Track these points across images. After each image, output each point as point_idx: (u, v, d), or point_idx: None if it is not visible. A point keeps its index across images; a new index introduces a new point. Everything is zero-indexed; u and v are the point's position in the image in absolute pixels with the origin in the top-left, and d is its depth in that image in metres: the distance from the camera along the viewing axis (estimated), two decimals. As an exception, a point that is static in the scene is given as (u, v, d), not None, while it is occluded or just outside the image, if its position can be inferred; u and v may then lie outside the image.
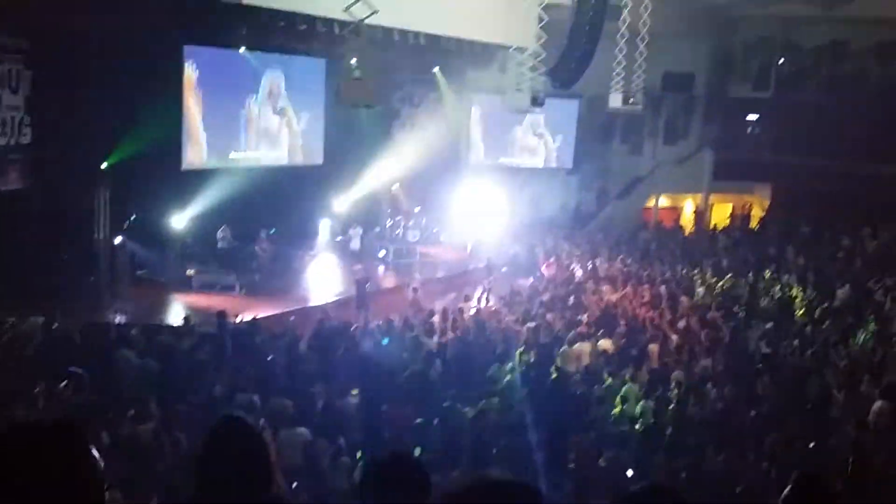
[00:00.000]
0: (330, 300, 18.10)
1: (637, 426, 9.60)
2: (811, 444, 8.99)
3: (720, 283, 18.36)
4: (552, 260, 22.22)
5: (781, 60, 28.87)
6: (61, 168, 16.51)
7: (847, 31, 26.91)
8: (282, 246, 20.32)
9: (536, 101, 17.90)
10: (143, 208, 18.08)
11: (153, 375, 10.82)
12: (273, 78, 20.84)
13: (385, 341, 12.77)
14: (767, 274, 19.73)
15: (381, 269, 21.69)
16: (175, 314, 15.99)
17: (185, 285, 18.08)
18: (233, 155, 20.31)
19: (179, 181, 18.73)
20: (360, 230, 22.40)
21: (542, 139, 27.21)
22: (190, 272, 18.45)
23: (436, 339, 13.37)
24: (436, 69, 22.80)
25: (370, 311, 16.40)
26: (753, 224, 28.20)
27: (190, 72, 18.73)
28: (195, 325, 13.66)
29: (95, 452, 1.93)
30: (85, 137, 16.33)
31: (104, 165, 17.07)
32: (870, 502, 7.60)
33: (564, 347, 12.67)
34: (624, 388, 10.65)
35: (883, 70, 26.73)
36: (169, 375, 10.88)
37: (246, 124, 20.52)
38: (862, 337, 13.85)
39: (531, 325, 14.33)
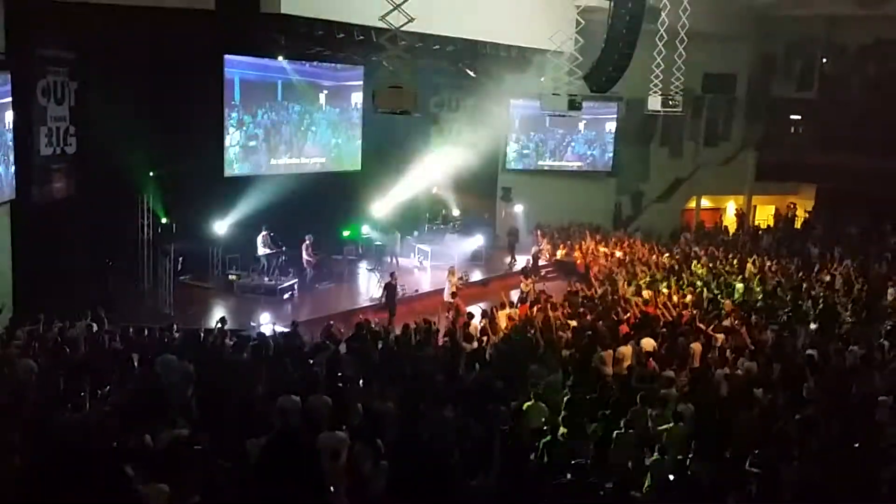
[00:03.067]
0: (369, 304, 18.21)
1: (679, 429, 9.45)
2: (857, 447, 8.83)
3: (764, 285, 18.07)
4: (591, 261, 22.11)
5: (825, 60, 28.42)
6: (106, 176, 16.82)
7: (892, 30, 26.39)
8: (322, 251, 20.50)
9: (574, 105, 17.84)
10: (187, 214, 18.32)
11: (195, 379, 10.93)
12: (312, 86, 21.06)
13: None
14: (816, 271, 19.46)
15: (421, 272, 21.74)
16: (217, 319, 16.21)
17: (228, 290, 18.28)
18: (273, 162, 20.56)
19: (221, 187, 19.02)
20: (397, 235, 22.48)
21: (582, 143, 27.11)
22: (232, 277, 18.66)
23: (475, 342, 13.35)
24: (474, 74, 22.84)
25: (394, 314, 16.72)
26: (798, 225, 27.78)
27: (232, 81, 19.01)
28: (237, 329, 13.82)
29: None
30: (128, 146, 16.63)
31: (150, 174, 17.31)
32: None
33: (605, 351, 12.56)
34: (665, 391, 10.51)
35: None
36: (211, 379, 10.99)
37: (286, 132, 20.76)
38: None
39: (573, 325, 14.28)
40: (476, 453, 8.39)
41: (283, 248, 19.33)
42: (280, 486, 7.40)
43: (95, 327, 12.98)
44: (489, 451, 8.27)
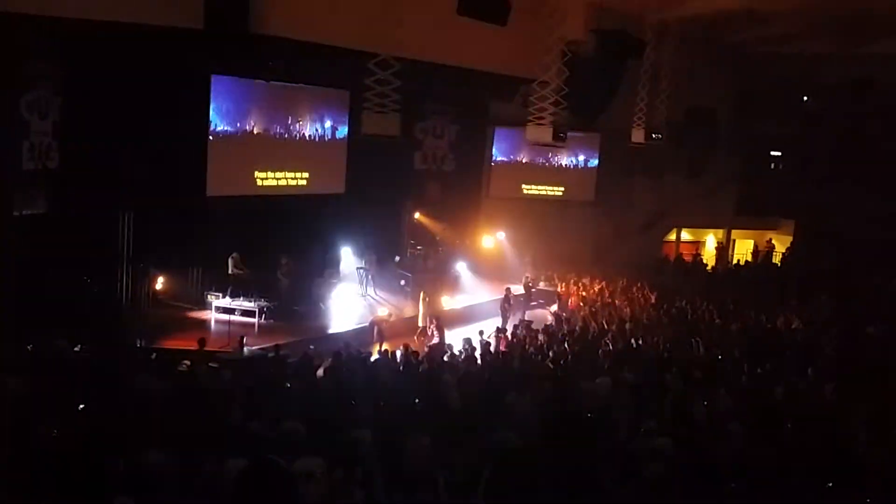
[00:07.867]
0: (349, 329, 18.13)
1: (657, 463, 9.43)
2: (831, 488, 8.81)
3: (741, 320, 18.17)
4: (573, 292, 22.17)
5: (805, 98, 28.80)
6: (86, 193, 16.69)
7: (871, 69, 26.79)
8: (303, 273, 20.40)
9: (559, 136, 17.97)
10: (167, 234, 18.18)
11: (171, 400, 10.81)
12: (297, 108, 21.05)
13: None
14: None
15: (402, 296, 21.66)
16: (195, 339, 16.05)
17: (206, 310, 18.12)
18: (256, 183, 20.48)
19: (203, 207, 18.91)
20: (373, 258, 22.37)
21: (565, 172, 27.29)
22: (210, 297, 18.52)
23: (455, 369, 13.29)
24: (459, 101, 22.95)
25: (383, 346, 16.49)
26: (776, 260, 28.01)
27: (217, 101, 18.98)
28: (214, 350, 13.71)
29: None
30: (111, 163, 16.52)
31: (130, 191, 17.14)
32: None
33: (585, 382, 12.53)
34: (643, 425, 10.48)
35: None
36: (186, 400, 10.86)
37: (270, 153, 20.70)
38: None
39: (551, 356, 14.27)
40: (456, 481, 8.31)
41: (250, 271, 19.26)
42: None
43: (72, 346, 12.83)
44: (470, 479, 8.19)
